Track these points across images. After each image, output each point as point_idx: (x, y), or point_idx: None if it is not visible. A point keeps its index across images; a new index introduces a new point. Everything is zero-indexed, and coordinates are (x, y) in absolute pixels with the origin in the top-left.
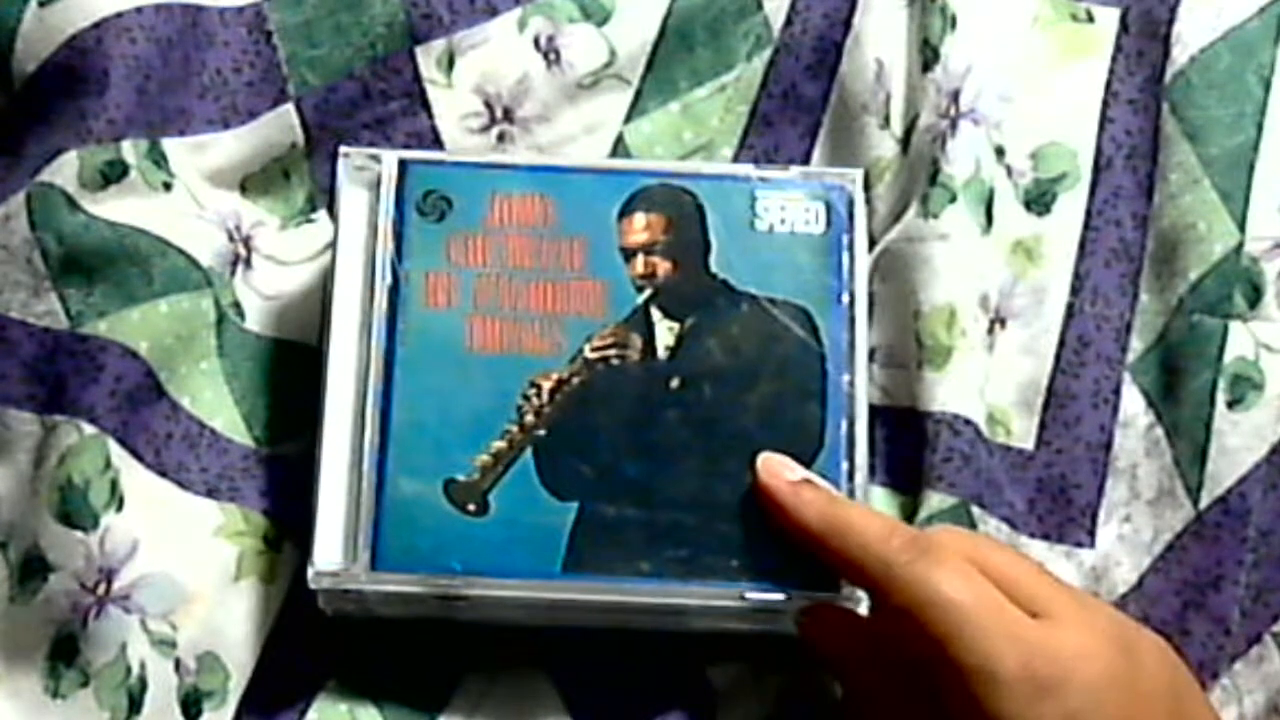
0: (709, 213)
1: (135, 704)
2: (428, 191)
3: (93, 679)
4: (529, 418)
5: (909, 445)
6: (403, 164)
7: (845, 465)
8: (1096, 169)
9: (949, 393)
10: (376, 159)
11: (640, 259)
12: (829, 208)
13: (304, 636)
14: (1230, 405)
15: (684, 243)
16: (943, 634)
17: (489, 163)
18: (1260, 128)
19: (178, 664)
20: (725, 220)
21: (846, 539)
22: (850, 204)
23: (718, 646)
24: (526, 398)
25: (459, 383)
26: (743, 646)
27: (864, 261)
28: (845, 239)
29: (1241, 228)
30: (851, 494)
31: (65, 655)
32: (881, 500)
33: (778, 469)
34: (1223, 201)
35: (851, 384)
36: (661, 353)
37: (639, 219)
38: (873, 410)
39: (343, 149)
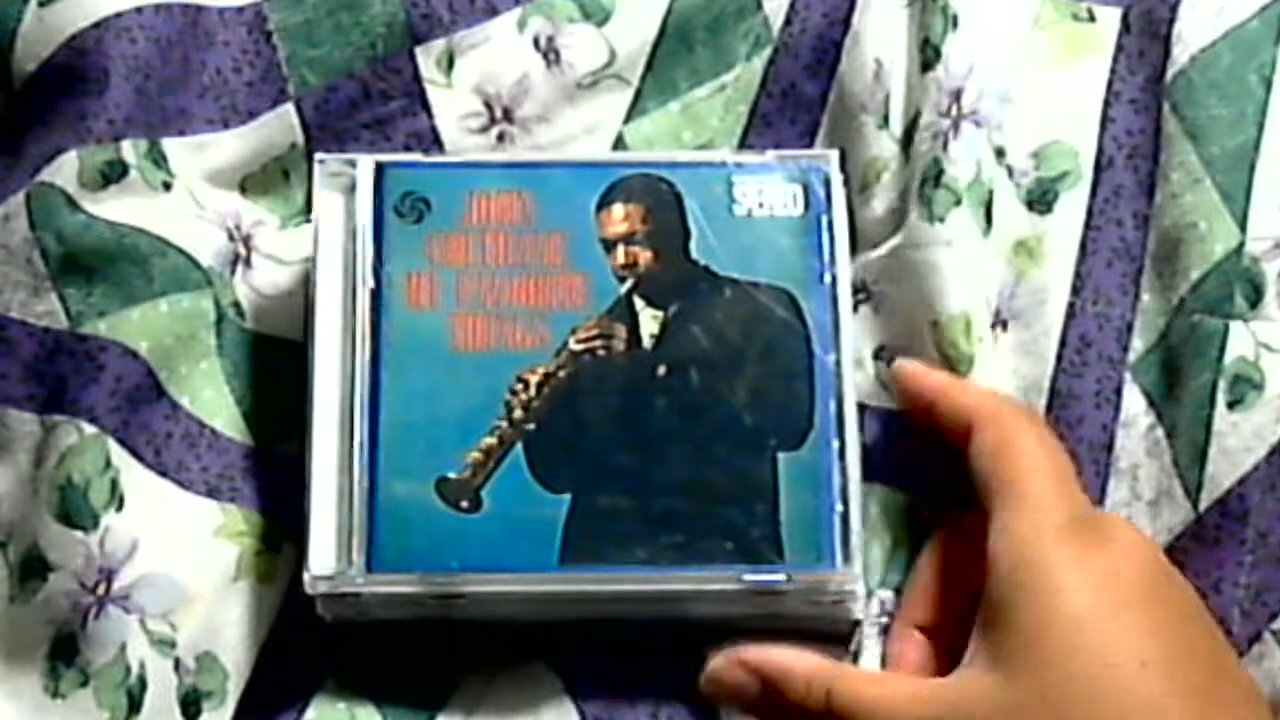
0: (687, 200)
1: (135, 704)
2: (405, 193)
3: (92, 679)
4: (517, 413)
5: (920, 447)
6: (379, 167)
7: (836, 444)
8: (1098, 168)
9: None
10: (352, 164)
11: (621, 250)
12: (807, 189)
13: (303, 636)
14: (1230, 406)
15: (663, 231)
16: (1011, 475)
17: (465, 162)
18: (1261, 127)
19: (177, 664)
20: (704, 207)
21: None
22: (828, 184)
23: (718, 634)
24: (514, 393)
25: (446, 381)
26: (744, 634)
27: (844, 241)
28: (825, 219)
29: (1242, 227)
30: (844, 473)
31: (65, 655)
32: (889, 499)
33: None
34: (1223, 201)
35: (838, 364)
36: (647, 342)
37: (617, 210)
38: (885, 412)
39: (318, 155)
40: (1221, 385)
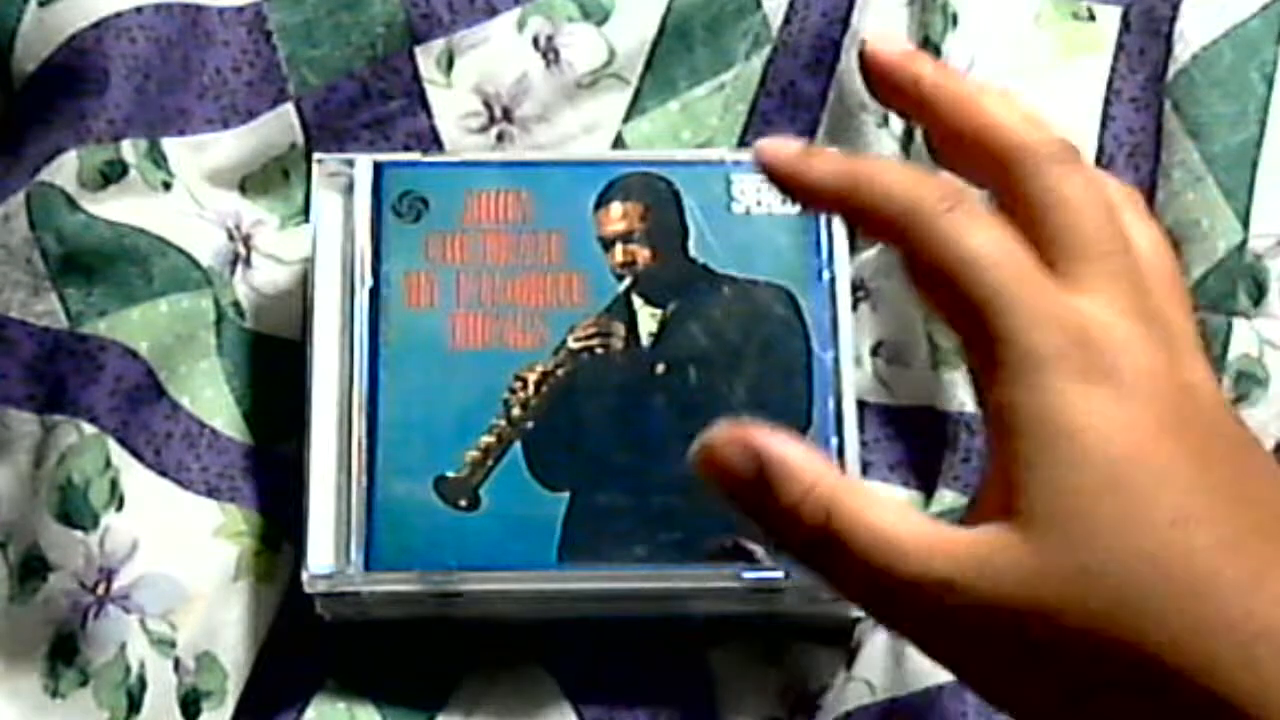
0: (685, 198)
1: (134, 704)
2: (404, 193)
3: (92, 678)
4: (516, 411)
5: (921, 443)
6: (377, 166)
7: (835, 441)
8: (1098, 167)
9: (968, 393)
10: (350, 163)
11: (619, 248)
12: None
13: (303, 636)
14: (1235, 402)
15: (662, 229)
16: (977, 299)
17: (463, 161)
18: (1263, 125)
19: (177, 664)
20: (702, 205)
21: (871, 189)
22: None
23: (716, 632)
24: (512, 391)
25: (444, 380)
26: (741, 631)
27: (843, 239)
28: (824, 217)
29: (1245, 225)
30: (843, 471)
31: (65, 655)
32: (890, 495)
33: (775, 145)
34: (1226, 199)
35: (837, 361)
36: (645, 340)
37: (615, 208)
38: (884, 409)
39: (316, 155)
40: (1226, 382)
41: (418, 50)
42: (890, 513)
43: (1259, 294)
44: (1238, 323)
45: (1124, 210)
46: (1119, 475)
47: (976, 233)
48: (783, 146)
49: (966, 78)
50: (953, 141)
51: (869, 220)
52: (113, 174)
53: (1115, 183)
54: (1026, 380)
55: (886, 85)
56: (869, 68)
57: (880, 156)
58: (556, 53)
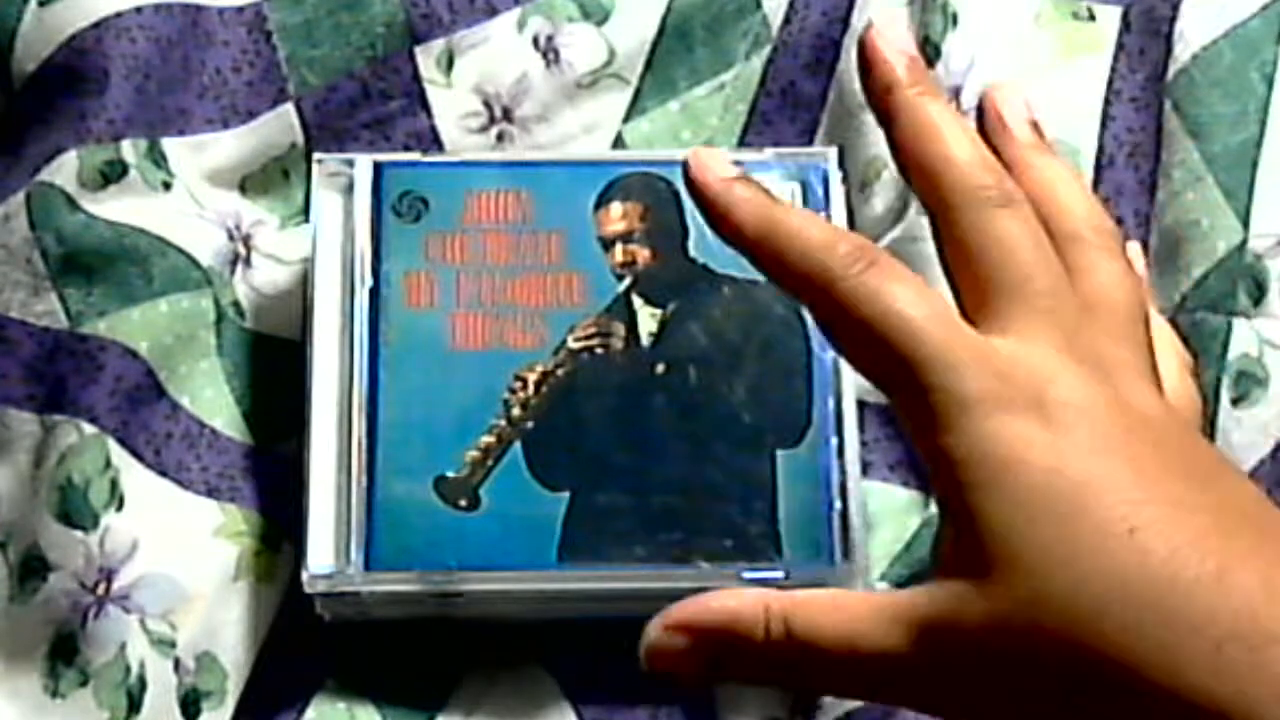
0: (685, 198)
1: (134, 704)
2: (403, 193)
3: (92, 678)
4: (515, 411)
5: None
6: (377, 166)
7: (835, 441)
8: (1098, 167)
9: None
10: (350, 163)
11: (619, 248)
12: (805, 187)
13: (303, 636)
14: (1235, 402)
15: (662, 229)
16: (899, 352)
17: (463, 161)
18: (1263, 125)
19: (177, 664)
20: None
21: (787, 243)
22: (826, 182)
23: None
24: (512, 391)
25: (444, 380)
26: None
27: None
28: (824, 217)
29: (1245, 225)
30: (843, 470)
31: (65, 655)
32: (889, 495)
33: (708, 161)
34: (1226, 199)
35: (837, 361)
36: (645, 340)
37: (615, 208)
38: (884, 409)
39: (316, 155)
40: (1225, 382)
41: (418, 50)
42: (834, 608)
43: (1259, 294)
44: (1238, 323)
45: (1087, 246)
46: (1057, 496)
47: (892, 288)
48: (713, 165)
49: (944, 100)
50: (906, 162)
51: (783, 272)
52: (113, 174)
53: (1096, 218)
54: (956, 424)
55: (866, 79)
56: (861, 53)
57: (799, 209)
58: (556, 53)
